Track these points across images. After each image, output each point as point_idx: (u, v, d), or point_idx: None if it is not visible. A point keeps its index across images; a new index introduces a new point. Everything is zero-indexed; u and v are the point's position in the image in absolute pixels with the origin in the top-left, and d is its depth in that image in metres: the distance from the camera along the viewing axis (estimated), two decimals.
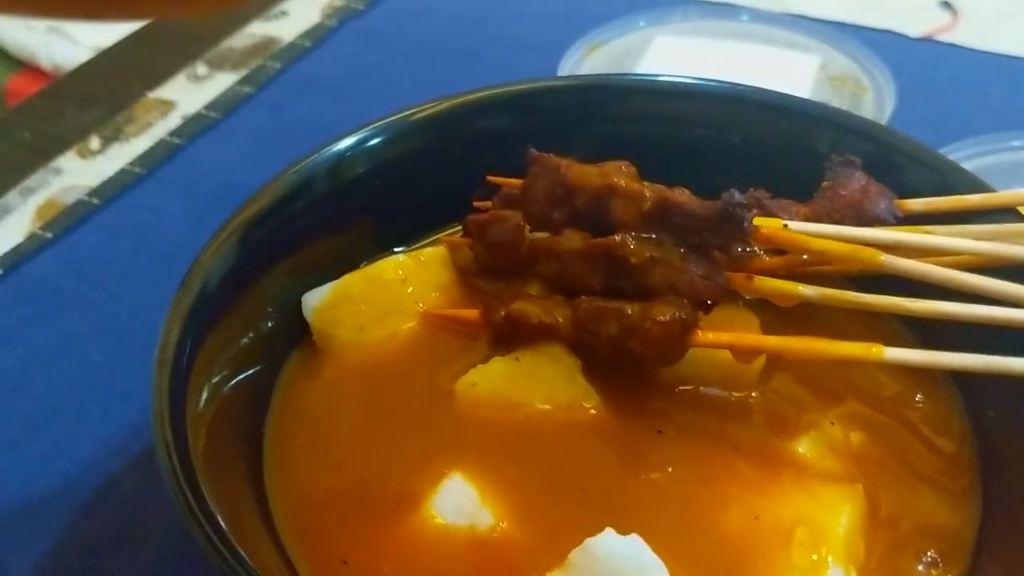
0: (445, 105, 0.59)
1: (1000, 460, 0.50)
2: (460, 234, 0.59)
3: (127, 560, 0.56)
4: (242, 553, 0.39)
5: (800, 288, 0.48)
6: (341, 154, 0.56)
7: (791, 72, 0.89)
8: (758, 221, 0.49)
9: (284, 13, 1.05)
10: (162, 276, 0.74)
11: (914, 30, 1.01)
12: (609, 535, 0.42)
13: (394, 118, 0.58)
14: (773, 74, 0.89)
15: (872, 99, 0.84)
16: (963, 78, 0.93)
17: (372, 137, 0.58)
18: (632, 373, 0.51)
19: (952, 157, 0.76)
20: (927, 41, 1.00)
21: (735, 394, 0.52)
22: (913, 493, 0.49)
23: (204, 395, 0.47)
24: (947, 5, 1.06)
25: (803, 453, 0.49)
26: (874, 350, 0.46)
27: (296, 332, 0.56)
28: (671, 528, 0.46)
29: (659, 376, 0.52)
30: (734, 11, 0.97)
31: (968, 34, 1.02)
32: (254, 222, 0.52)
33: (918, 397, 0.53)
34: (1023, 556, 0.45)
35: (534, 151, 0.55)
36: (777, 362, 0.52)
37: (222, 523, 0.40)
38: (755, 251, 0.51)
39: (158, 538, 0.57)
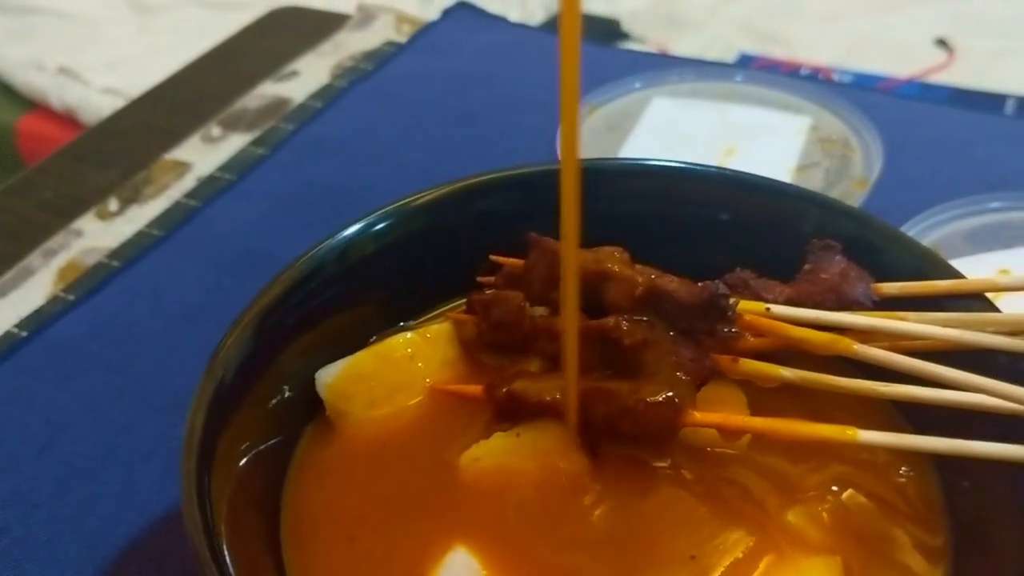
0: (447, 190, 0.62)
1: (973, 525, 0.53)
2: (464, 309, 0.62)
3: None
4: None
5: (781, 371, 0.51)
6: (350, 239, 0.60)
7: (783, 133, 0.92)
8: (742, 307, 0.53)
9: (295, 73, 1.09)
10: (182, 339, 0.78)
11: (911, 68, 1.05)
12: None
13: (399, 203, 0.61)
14: (765, 135, 0.92)
15: (860, 160, 0.87)
16: (949, 137, 0.96)
17: (379, 222, 0.61)
18: (627, 448, 0.55)
19: (934, 220, 0.80)
20: (916, 96, 1.03)
21: (724, 467, 0.55)
22: (888, 560, 0.52)
23: (227, 471, 0.50)
24: (943, 44, 1.10)
25: (788, 523, 0.52)
26: (849, 432, 0.49)
27: (310, 406, 0.59)
28: None
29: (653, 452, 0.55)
30: (728, 72, 1.01)
31: (963, 72, 1.05)
32: (269, 309, 0.55)
33: (902, 470, 0.56)
34: None
35: (534, 235, 0.58)
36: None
37: None
38: (741, 333, 0.54)
39: None
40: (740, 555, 0.51)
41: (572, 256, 0.48)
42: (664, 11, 1.36)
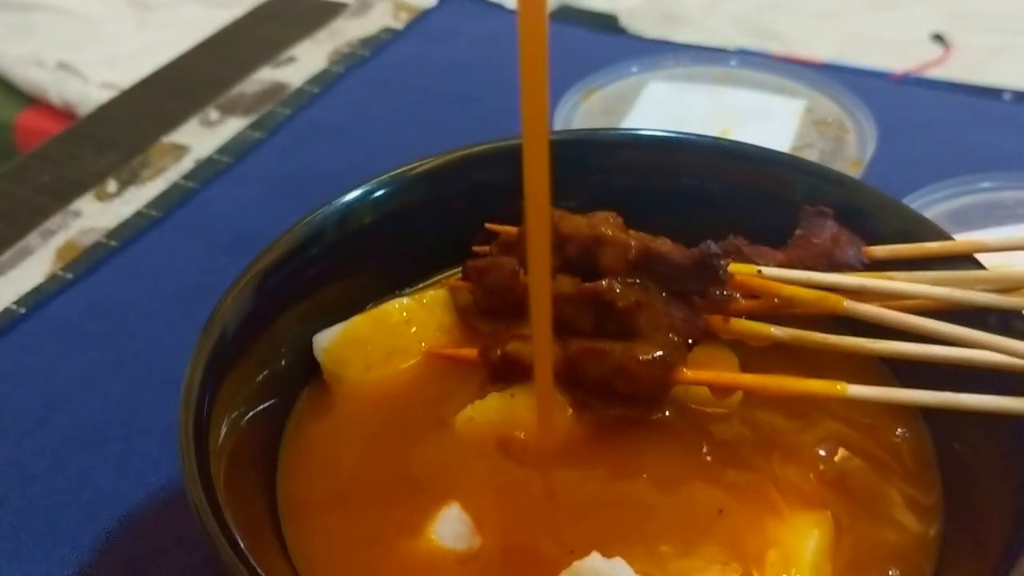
0: (444, 159, 0.63)
1: (964, 486, 0.54)
2: (460, 277, 0.63)
3: None
4: (262, 573, 0.43)
5: (772, 329, 0.52)
6: (348, 206, 0.60)
7: (777, 116, 0.93)
8: (733, 268, 0.54)
9: (292, 59, 1.10)
10: (178, 316, 0.78)
11: (906, 64, 1.05)
12: (595, 558, 0.45)
13: (397, 172, 0.62)
14: (760, 118, 0.93)
15: (854, 142, 0.88)
16: (943, 122, 0.97)
17: (377, 189, 0.61)
18: (619, 407, 0.55)
19: (927, 199, 0.80)
20: (912, 85, 1.03)
21: (719, 422, 0.56)
22: (879, 516, 0.53)
23: (224, 430, 0.51)
24: (939, 39, 1.10)
25: (780, 477, 0.53)
26: (839, 387, 0.49)
27: (307, 370, 0.59)
28: (654, 550, 0.49)
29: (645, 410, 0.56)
30: (723, 57, 1.01)
31: (959, 67, 1.06)
32: (269, 271, 0.56)
33: (898, 431, 0.57)
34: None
35: None
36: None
37: (243, 547, 0.44)
38: (732, 295, 0.54)
39: (177, 565, 0.61)
40: (726, 507, 0.51)
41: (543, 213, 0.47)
42: (662, 8, 1.36)
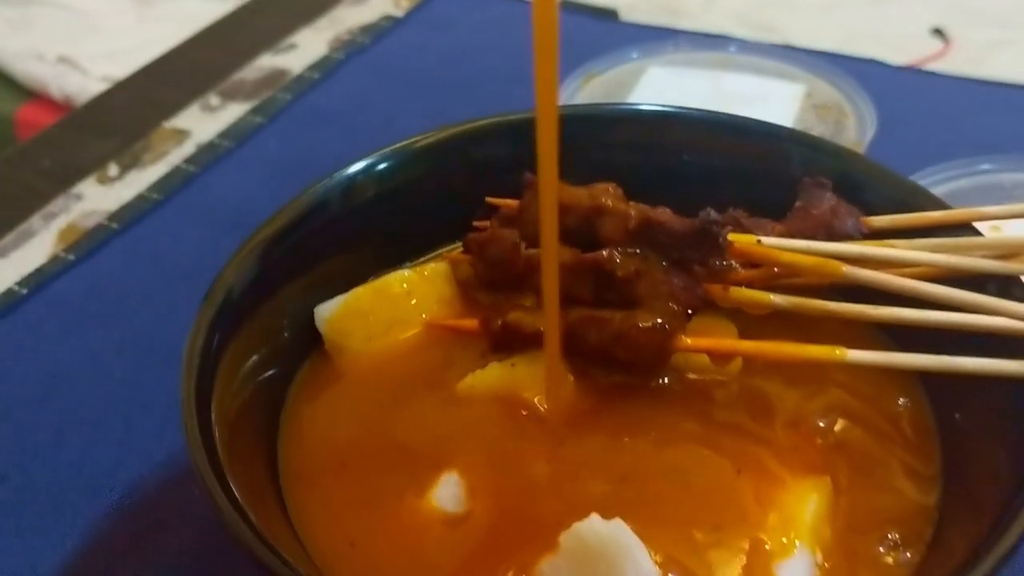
0: (446, 133, 0.64)
1: (963, 456, 0.54)
2: (461, 251, 0.63)
3: (149, 559, 0.60)
4: (265, 536, 0.43)
5: (771, 297, 0.52)
6: (352, 178, 0.61)
7: (777, 100, 0.93)
8: (733, 237, 0.54)
9: (293, 46, 1.10)
10: (179, 297, 0.78)
11: (906, 58, 1.05)
12: (594, 520, 0.46)
13: (400, 145, 0.63)
14: (759, 102, 0.93)
15: (853, 126, 0.88)
16: (942, 108, 0.97)
17: (380, 163, 0.62)
18: (618, 375, 0.55)
19: (927, 181, 0.80)
20: (911, 71, 1.04)
21: (719, 389, 0.56)
22: (879, 482, 0.53)
23: (226, 397, 0.51)
24: (939, 33, 1.10)
25: (780, 444, 0.53)
26: (838, 352, 0.50)
27: (309, 341, 0.60)
28: (653, 514, 0.49)
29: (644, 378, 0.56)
30: (723, 43, 1.01)
31: (959, 61, 1.06)
32: (272, 240, 0.57)
33: (900, 401, 0.57)
34: (978, 538, 0.49)
35: (529, 175, 0.59)
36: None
37: (244, 507, 0.44)
38: (732, 264, 0.55)
39: (178, 537, 0.61)
40: (726, 473, 0.52)
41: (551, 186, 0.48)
42: (662, 2, 1.37)
